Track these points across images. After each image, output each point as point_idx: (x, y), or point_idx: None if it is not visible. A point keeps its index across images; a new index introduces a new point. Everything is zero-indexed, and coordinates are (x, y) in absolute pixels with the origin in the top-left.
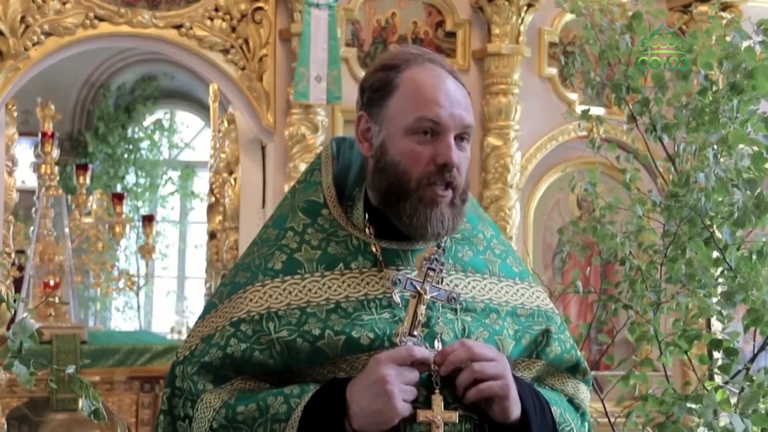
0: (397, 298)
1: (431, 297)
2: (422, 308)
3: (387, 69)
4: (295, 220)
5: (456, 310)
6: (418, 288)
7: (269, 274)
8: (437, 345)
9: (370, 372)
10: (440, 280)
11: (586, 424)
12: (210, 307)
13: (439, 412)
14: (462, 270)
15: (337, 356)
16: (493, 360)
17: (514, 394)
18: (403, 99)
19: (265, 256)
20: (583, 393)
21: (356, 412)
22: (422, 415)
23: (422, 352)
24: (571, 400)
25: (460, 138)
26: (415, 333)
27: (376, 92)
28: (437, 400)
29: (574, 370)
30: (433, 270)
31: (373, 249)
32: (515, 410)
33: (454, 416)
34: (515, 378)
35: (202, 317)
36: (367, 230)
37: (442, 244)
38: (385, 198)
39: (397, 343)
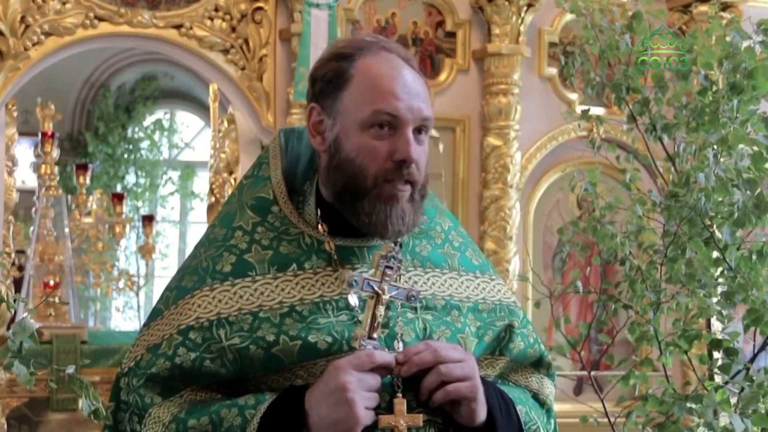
0: (354, 300)
1: (390, 297)
2: (381, 309)
3: (340, 58)
4: (244, 219)
5: (416, 308)
6: (376, 288)
7: (218, 278)
8: (398, 346)
9: (329, 379)
10: (398, 278)
11: (552, 421)
12: (155, 314)
13: (402, 417)
14: (421, 265)
15: (294, 363)
16: (460, 361)
17: (481, 396)
18: (357, 91)
19: (213, 257)
20: (548, 388)
21: (315, 422)
22: (384, 420)
23: (383, 356)
24: (536, 396)
25: (417, 131)
26: (375, 336)
27: (328, 83)
28: (399, 404)
29: (538, 364)
30: (391, 268)
31: (328, 247)
32: (482, 412)
33: (418, 420)
34: (480, 378)
35: (147, 325)
36: (320, 227)
37: (399, 240)
38: (340, 196)
39: (356, 347)
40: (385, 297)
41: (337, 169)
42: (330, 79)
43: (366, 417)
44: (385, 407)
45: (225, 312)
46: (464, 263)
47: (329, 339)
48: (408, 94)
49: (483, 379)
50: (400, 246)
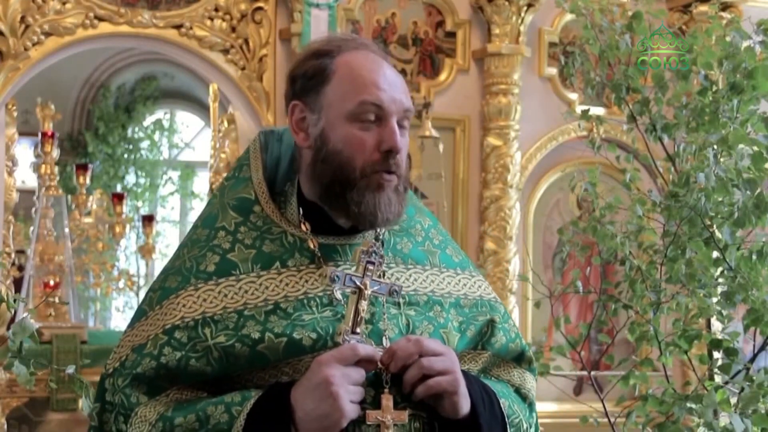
0: (338, 295)
1: (372, 292)
2: (363, 304)
3: (320, 56)
4: (227, 219)
5: (399, 304)
6: (358, 283)
7: (202, 277)
8: (385, 342)
9: (314, 374)
10: (382, 274)
11: (534, 414)
12: (139, 315)
13: (388, 412)
14: (402, 262)
15: (279, 359)
16: (442, 354)
17: (463, 389)
18: (341, 84)
19: (197, 258)
20: (530, 382)
21: (301, 417)
22: (372, 416)
23: (367, 349)
24: (518, 391)
25: (399, 123)
26: (358, 330)
27: (310, 79)
28: (386, 399)
29: (519, 359)
30: (373, 263)
31: (311, 245)
32: (465, 405)
33: (404, 416)
34: (463, 372)
35: (131, 325)
36: (302, 226)
37: (381, 237)
38: (328, 189)
39: (340, 342)
40: (368, 292)
41: (324, 162)
42: (312, 76)
43: (351, 410)
44: (370, 402)
45: (210, 311)
46: (445, 260)
47: (314, 335)
48: (390, 86)
49: (466, 373)
50: (382, 242)
